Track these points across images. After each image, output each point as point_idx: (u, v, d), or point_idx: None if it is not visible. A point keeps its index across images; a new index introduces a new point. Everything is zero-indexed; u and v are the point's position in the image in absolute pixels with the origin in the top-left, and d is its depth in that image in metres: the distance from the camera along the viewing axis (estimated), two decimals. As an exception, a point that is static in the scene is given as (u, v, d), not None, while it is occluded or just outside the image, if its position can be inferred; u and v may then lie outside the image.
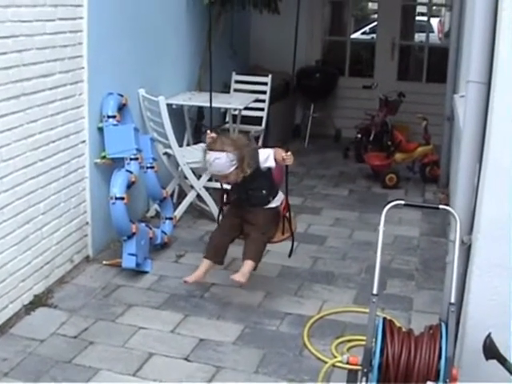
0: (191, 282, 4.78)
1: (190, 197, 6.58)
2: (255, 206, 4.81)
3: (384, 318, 3.52)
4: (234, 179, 4.64)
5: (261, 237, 4.76)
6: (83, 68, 5.26)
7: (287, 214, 4.92)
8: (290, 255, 5.06)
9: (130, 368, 4.13)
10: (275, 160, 4.64)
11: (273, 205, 4.85)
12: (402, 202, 3.68)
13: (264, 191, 4.79)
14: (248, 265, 4.68)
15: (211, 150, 4.59)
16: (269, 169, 4.73)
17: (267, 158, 4.64)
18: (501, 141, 3.27)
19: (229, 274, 4.93)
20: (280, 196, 4.89)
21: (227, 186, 4.99)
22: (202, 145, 6.80)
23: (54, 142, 4.96)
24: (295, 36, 4.61)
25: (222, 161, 4.52)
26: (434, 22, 14.20)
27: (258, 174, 4.68)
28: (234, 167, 4.55)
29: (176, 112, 6.96)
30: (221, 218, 5.02)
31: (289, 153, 4.61)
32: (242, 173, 4.60)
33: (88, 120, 5.39)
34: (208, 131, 4.81)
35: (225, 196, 4.97)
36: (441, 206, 3.78)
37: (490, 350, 3.29)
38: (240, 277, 4.63)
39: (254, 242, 4.74)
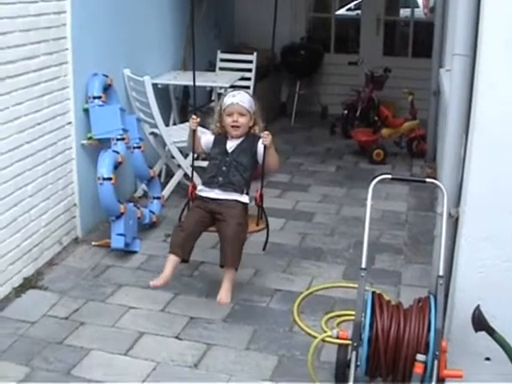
0: (159, 285, 4.38)
1: (178, 176, 6.58)
2: (228, 187, 4.51)
3: (373, 292, 3.54)
4: (245, 123, 4.56)
5: (238, 236, 4.39)
6: (67, 49, 5.24)
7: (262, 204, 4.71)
8: (264, 249, 4.83)
9: (121, 347, 4.15)
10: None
11: (245, 200, 4.57)
12: (389, 176, 3.70)
13: (245, 174, 4.55)
14: (230, 278, 4.36)
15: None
16: (256, 162, 4.63)
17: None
18: (486, 112, 3.28)
19: (217, 252, 4.97)
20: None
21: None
22: (189, 124, 6.80)
23: (39, 124, 4.94)
24: (274, 13, 4.61)
25: (247, 95, 4.67)
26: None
27: (249, 153, 4.59)
28: (252, 110, 4.59)
29: (162, 92, 6.94)
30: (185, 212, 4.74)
31: (266, 132, 4.52)
32: (252, 123, 4.61)
33: (73, 101, 5.37)
34: (193, 116, 4.72)
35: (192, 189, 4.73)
36: (427, 180, 3.79)
37: (479, 322, 3.32)
38: (225, 298, 4.31)
39: (231, 244, 4.35)
